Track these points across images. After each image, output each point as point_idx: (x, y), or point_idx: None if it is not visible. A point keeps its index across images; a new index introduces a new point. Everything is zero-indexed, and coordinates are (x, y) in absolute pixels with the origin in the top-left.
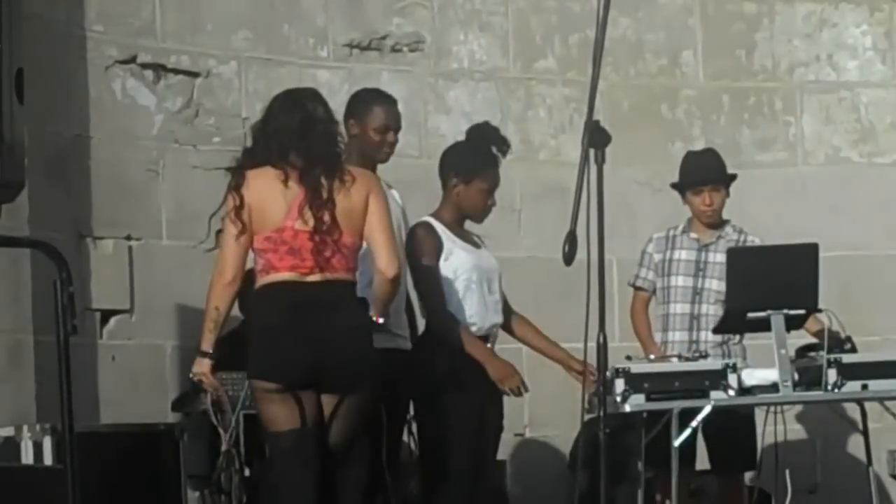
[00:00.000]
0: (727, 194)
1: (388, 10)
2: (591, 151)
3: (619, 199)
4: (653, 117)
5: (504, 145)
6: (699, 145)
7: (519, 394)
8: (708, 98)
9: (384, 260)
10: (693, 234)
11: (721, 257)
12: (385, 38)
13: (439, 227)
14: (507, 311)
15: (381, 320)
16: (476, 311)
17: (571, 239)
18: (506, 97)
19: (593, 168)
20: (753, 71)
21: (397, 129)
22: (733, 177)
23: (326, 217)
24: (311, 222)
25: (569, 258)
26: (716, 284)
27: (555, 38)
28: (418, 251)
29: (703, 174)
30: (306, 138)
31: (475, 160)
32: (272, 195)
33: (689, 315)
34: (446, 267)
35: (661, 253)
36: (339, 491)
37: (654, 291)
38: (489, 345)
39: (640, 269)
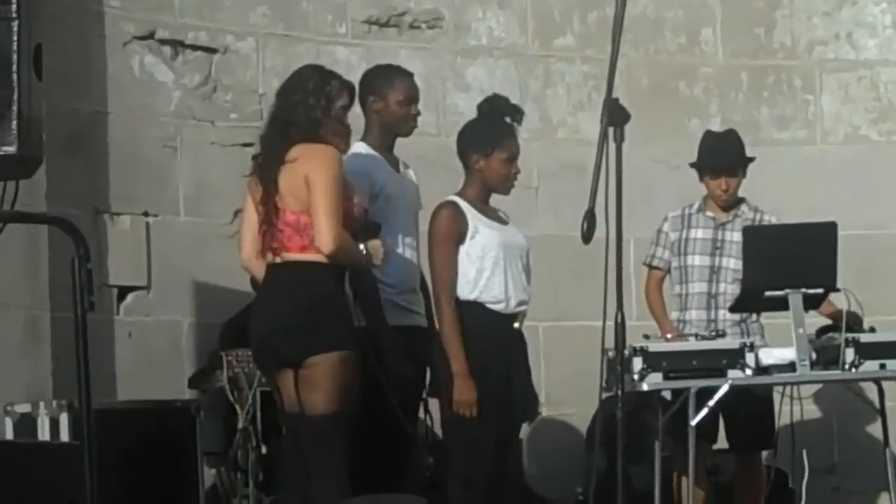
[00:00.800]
0: (744, 175)
1: None
2: (611, 129)
3: (637, 177)
4: (671, 95)
5: (517, 114)
6: (717, 123)
7: (465, 418)
8: (727, 76)
9: (320, 237)
10: (709, 213)
11: (738, 236)
12: (404, 14)
13: (464, 206)
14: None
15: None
16: (503, 288)
17: (590, 217)
18: (524, 75)
19: (612, 146)
20: (773, 49)
21: (418, 101)
22: (751, 159)
23: (273, 199)
24: (262, 207)
25: (587, 236)
26: (733, 263)
27: (573, 15)
28: (436, 233)
29: (722, 161)
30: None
31: (491, 132)
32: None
33: (706, 294)
34: (473, 245)
35: (676, 232)
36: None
37: (668, 270)
38: (517, 324)
39: (655, 248)
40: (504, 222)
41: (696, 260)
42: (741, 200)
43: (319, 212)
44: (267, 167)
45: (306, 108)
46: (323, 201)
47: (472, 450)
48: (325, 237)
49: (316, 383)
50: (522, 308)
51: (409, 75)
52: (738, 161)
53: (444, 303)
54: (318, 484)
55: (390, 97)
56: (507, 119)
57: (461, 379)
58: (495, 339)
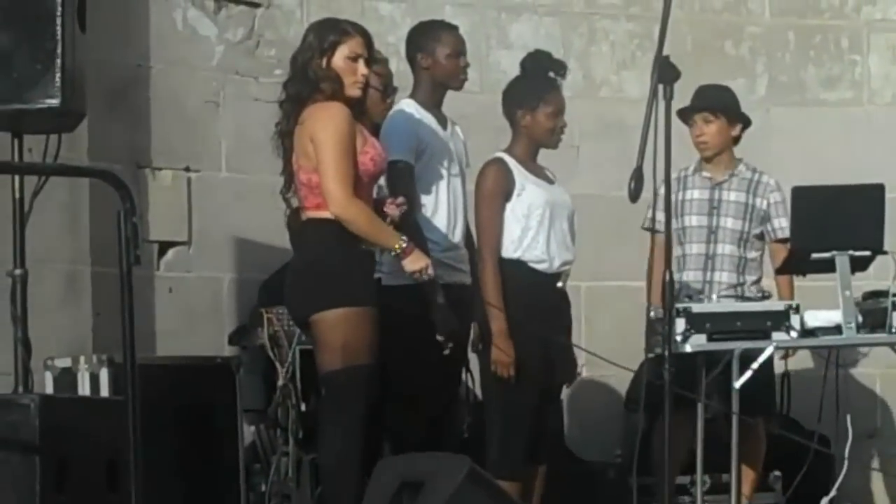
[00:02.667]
0: (734, 130)
1: None
2: (661, 87)
3: (680, 136)
4: (716, 54)
5: (561, 69)
6: (763, 83)
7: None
8: (773, 35)
9: (328, 199)
10: (705, 173)
11: (735, 195)
12: None
13: (511, 163)
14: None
15: (398, 249)
16: (546, 247)
17: (638, 175)
18: (568, 32)
19: (661, 104)
20: (820, 9)
21: (466, 53)
22: (741, 117)
23: (290, 159)
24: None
25: (635, 195)
26: (730, 223)
27: None
28: (483, 190)
29: (692, 101)
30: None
31: (536, 88)
32: None
33: (703, 255)
34: (519, 203)
35: (673, 194)
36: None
37: None
38: (560, 283)
39: (653, 211)
40: (551, 181)
41: (693, 220)
42: (738, 160)
43: (325, 174)
44: (284, 131)
45: (307, 67)
46: (327, 160)
47: (509, 410)
48: (332, 200)
49: (321, 341)
50: (566, 268)
51: (455, 28)
52: (708, 103)
53: (487, 261)
54: (327, 438)
55: (438, 52)
56: (552, 74)
57: (500, 338)
58: (538, 298)
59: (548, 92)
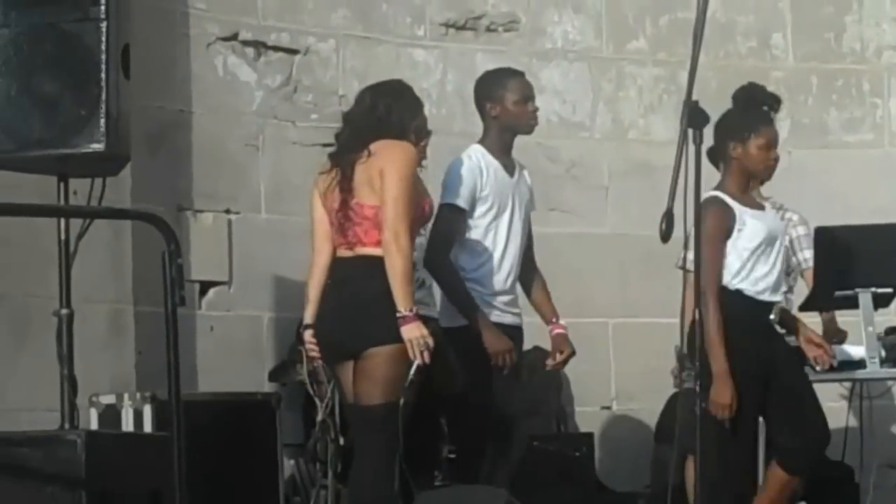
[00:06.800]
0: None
1: None
2: (690, 131)
3: (707, 178)
4: None
5: (775, 102)
6: (786, 126)
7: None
8: (797, 79)
9: (389, 226)
10: None
11: None
12: (481, 17)
13: (729, 200)
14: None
15: (405, 311)
16: (765, 274)
17: (669, 217)
18: (597, 77)
19: (691, 148)
20: (842, 53)
21: (534, 97)
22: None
23: (348, 193)
24: (338, 200)
25: (666, 235)
26: None
27: (646, 19)
28: (705, 231)
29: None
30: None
31: (747, 120)
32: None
33: None
34: (743, 238)
35: None
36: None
37: None
38: (772, 315)
39: (685, 251)
40: (762, 208)
41: None
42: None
43: (394, 206)
44: (345, 160)
45: (394, 110)
46: (398, 194)
47: (725, 456)
48: (392, 230)
49: (372, 374)
50: (781, 299)
51: (521, 74)
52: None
53: (710, 302)
54: (365, 472)
55: (506, 99)
56: (765, 108)
57: (720, 380)
58: (754, 326)
59: (759, 124)
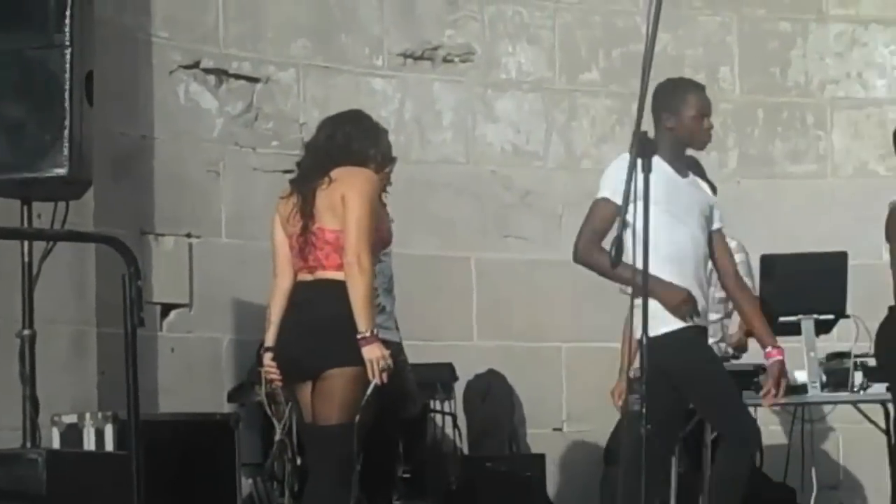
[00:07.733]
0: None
1: (440, 21)
2: (639, 161)
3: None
4: None
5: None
6: (734, 156)
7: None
8: (744, 111)
9: (351, 251)
10: None
11: None
12: (437, 48)
13: None
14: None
15: (366, 332)
16: None
17: (618, 243)
18: (550, 108)
19: (640, 176)
20: (787, 87)
21: (710, 114)
22: None
23: (309, 218)
24: (299, 225)
25: (616, 261)
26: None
27: (599, 51)
28: (889, 234)
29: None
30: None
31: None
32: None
33: None
34: None
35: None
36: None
37: None
38: None
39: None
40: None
41: None
42: None
43: (356, 232)
44: (307, 186)
45: (354, 138)
46: (360, 219)
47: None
48: (354, 255)
49: (331, 395)
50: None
51: (702, 89)
52: None
53: None
54: (322, 491)
55: (683, 112)
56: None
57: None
58: None
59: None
